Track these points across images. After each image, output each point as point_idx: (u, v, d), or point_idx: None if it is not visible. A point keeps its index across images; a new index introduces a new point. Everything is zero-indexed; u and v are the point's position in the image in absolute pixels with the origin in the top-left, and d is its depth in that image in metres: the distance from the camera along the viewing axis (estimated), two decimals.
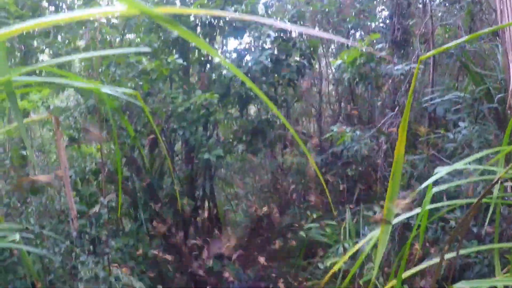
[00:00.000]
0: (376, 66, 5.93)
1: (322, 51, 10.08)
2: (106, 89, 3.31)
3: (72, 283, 4.84)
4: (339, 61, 6.15)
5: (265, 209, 9.63)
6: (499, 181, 2.96)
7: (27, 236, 5.11)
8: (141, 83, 6.42)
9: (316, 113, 9.33)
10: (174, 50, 7.67)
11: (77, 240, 4.62)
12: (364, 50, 5.73)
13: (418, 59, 2.26)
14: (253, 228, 10.09)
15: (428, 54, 2.04)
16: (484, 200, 3.01)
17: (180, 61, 6.60)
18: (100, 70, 6.63)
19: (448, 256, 3.34)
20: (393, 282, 3.22)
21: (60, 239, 4.71)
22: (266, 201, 10.16)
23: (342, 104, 8.89)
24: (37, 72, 7.04)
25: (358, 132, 6.19)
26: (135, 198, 7.48)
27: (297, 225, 8.50)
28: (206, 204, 9.32)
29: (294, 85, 7.97)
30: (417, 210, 3.22)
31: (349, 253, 4.19)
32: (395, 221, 6.36)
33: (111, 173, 7.42)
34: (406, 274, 3.22)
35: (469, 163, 4.79)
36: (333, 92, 9.81)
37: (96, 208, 4.69)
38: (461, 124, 4.99)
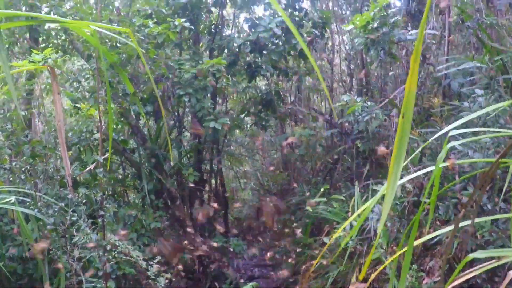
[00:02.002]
0: (389, 31, 5.64)
1: (335, 29, 9.80)
2: (96, 27, 3.10)
3: (67, 248, 4.67)
4: (351, 26, 5.87)
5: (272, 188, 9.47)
6: None
7: (27, 200, 4.97)
8: (144, 37, 6.18)
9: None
10: (184, 19, 7.46)
11: (72, 202, 4.44)
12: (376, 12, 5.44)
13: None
14: (260, 206, 9.91)
15: None
16: (502, 160, 2.75)
17: (188, 24, 6.36)
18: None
19: (463, 224, 3.10)
20: (404, 249, 3.00)
21: (54, 201, 4.53)
22: (274, 178, 9.97)
23: (354, 79, 8.62)
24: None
25: (369, 103, 5.92)
26: (140, 169, 7.31)
27: (304, 204, 8.28)
28: (213, 180, 9.16)
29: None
30: (431, 167, 2.96)
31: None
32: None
33: (116, 143, 7.26)
34: (416, 242, 2.99)
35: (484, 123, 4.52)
36: (345, 69, 9.54)
37: (92, 166, 4.48)
38: (478, 91, 4.71)
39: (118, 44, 5.86)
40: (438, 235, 5.56)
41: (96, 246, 4.45)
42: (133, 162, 7.40)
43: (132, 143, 7.85)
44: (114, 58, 5.28)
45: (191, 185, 7.50)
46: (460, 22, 6.41)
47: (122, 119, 7.39)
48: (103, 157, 4.23)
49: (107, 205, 4.46)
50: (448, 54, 6.01)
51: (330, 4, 9.51)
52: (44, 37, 7.04)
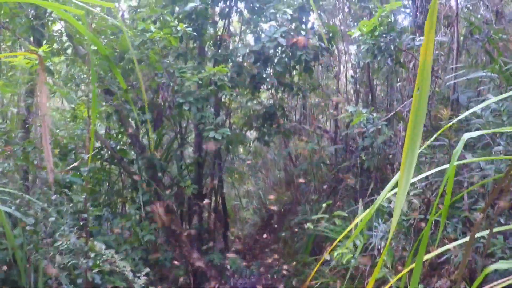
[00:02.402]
0: (397, 38, 5.30)
1: (342, 47, 9.53)
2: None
3: (49, 252, 4.30)
4: (357, 33, 5.54)
5: (275, 208, 9.13)
6: None
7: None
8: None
9: (333, 105, 8.70)
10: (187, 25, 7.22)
11: (53, 200, 4.08)
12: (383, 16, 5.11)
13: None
14: (261, 224, 9.54)
15: None
16: None
17: (190, 29, 6.09)
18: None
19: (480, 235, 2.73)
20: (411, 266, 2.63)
21: (37, 202, 4.18)
22: (277, 198, 9.59)
23: (360, 97, 8.27)
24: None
25: (374, 114, 5.58)
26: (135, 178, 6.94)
27: (305, 223, 7.89)
28: (213, 196, 8.80)
29: (311, 72, 7.39)
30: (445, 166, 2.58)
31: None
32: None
33: (113, 151, 6.94)
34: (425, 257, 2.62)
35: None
36: (351, 89, 9.23)
37: (76, 163, 4.13)
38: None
39: (111, 37, 5.58)
40: (446, 252, 5.18)
41: (79, 252, 4.08)
42: (130, 173, 7.05)
43: (133, 154, 7.54)
44: (106, 51, 4.99)
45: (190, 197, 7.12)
46: (469, 35, 6.10)
47: (122, 130, 7.09)
48: (87, 156, 3.87)
49: (91, 208, 4.10)
50: (457, 65, 5.68)
51: (338, 23, 9.26)
52: (47, 42, 6.80)
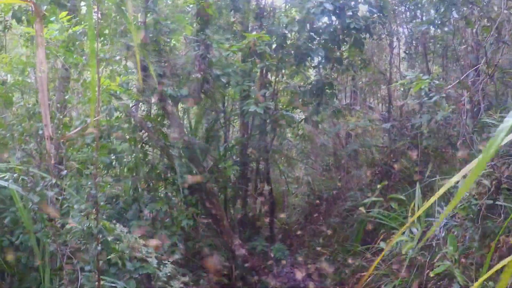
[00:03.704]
0: None
1: (395, 28, 8.35)
2: None
3: (57, 234, 3.51)
4: None
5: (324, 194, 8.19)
6: None
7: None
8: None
9: (385, 79, 7.51)
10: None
11: (58, 173, 3.29)
12: None
13: None
14: (310, 211, 8.56)
15: None
16: None
17: None
18: None
19: None
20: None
21: (42, 175, 3.39)
22: (326, 183, 8.57)
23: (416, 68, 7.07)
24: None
25: (436, 81, 4.49)
26: (172, 158, 6.11)
27: (356, 209, 6.86)
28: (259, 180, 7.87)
29: (362, 45, 6.32)
30: None
31: None
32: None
33: (150, 131, 6.17)
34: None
35: None
36: (404, 63, 8.02)
37: (79, 128, 3.31)
38: None
39: None
40: None
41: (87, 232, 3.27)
42: (169, 154, 6.24)
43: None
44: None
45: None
46: None
47: (161, 110, 6.30)
48: (95, 119, 3.02)
49: (102, 183, 3.26)
50: None
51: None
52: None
